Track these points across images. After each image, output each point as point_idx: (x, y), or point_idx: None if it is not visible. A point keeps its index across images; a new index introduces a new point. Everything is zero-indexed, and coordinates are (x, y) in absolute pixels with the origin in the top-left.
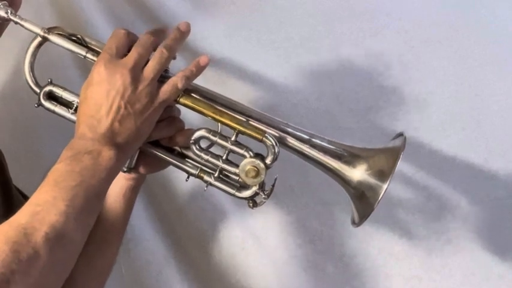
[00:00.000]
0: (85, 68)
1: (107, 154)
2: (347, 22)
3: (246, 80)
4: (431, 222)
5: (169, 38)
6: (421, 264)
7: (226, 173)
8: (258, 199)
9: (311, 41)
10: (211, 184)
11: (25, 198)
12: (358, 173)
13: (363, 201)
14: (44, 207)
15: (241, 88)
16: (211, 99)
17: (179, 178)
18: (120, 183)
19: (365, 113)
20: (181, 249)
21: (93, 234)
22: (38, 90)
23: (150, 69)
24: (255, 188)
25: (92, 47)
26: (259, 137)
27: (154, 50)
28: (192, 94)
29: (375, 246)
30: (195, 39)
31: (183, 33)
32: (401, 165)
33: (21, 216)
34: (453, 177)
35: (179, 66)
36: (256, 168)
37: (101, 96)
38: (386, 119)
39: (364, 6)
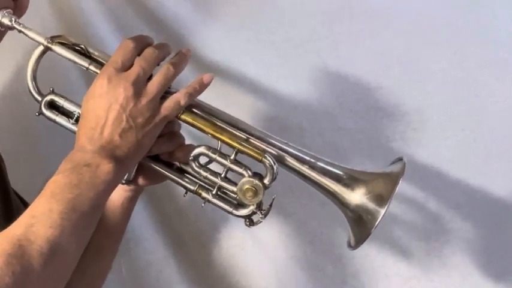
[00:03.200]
0: (87, 74)
1: (106, 167)
2: (347, 23)
3: (246, 81)
4: (430, 223)
5: (177, 56)
6: (419, 265)
7: (224, 190)
8: (255, 218)
9: (311, 41)
10: (208, 201)
11: (23, 203)
12: (356, 197)
13: (361, 224)
14: (39, 220)
15: (240, 89)
16: (212, 115)
17: None
18: (118, 193)
19: (364, 114)
20: (181, 249)
21: (90, 242)
22: (40, 99)
23: (154, 85)
24: (252, 207)
25: (95, 57)
26: (259, 157)
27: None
28: (193, 110)
29: (374, 246)
30: (195, 41)
31: (187, 56)
32: None
33: (17, 228)
34: (452, 178)
35: None
36: (255, 188)
37: (102, 109)
38: (385, 120)
39: (364, 7)
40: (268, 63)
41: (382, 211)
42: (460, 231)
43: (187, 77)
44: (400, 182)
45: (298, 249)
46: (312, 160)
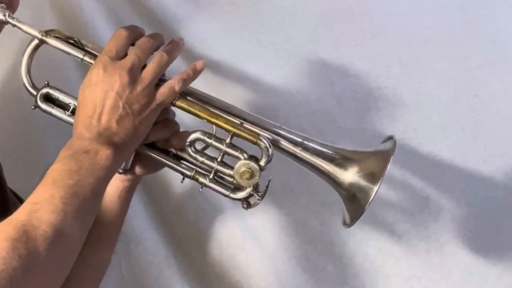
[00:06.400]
0: (84, 68)
1: (104, 153)
2: (347, 23)
3: (246, 81)
4: (430, 223)
5: (170, 44)
6: (420, 265)
7: (221, 174)
8: (252, 200)
9: (311, 41)
10: (206, 185)
11: (20, 200)
12: (349, 175)
13: (354, 202)
14: (42, 205)
15: (241, 89)
16: (206, 102)
17: (179, 178)
18: (116, 184)
19: (364, 114)
20: (181, 249)
21: (89, 234)
22: (35, 93)
23: (149, 71)
24: (249, 190)
25: (89, 50)
26: (254, 139)
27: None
28: (188, 97)
29: (374, 246)
30: (195, 40)
31: (180, 44)
32: (401, 166)
33: (20, 214)
34: (452, 177)
35: (178, 66)
36: (251, 170)
37: (99, 97)
38: (385, 120)
39: (364, 7)
40: (268, 63)
41: (375, 188)
42: (460, 231)
43: None
44: (391, 160)
45: (298, 249)
46: (305, 142)
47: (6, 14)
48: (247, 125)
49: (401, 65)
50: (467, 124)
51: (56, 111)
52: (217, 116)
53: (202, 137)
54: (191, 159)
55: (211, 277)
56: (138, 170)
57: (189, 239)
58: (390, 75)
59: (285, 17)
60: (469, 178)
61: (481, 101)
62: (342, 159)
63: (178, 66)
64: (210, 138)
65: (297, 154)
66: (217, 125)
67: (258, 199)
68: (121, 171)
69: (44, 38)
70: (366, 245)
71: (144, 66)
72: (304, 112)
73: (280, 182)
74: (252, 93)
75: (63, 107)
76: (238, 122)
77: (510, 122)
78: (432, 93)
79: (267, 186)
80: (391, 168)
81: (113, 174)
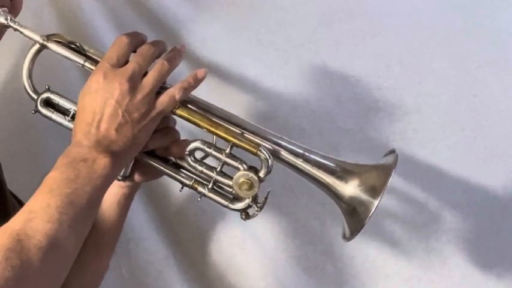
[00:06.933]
0: (86, 70)
1: (102, 162)
2: (347, 23)
3: (246, 81)
4: (430, 223)
5: (171, 52)
6: (420, 265)
7: (220, 184)
8: (250, 211)
9: (311, 42)
10: (204, 195)
11: (20, 203)
12: (350, 189)
13: (354, 216)
14: (37, 214)
15: (241, 89)
16: (207, 110)
17: None
18: (115, 190)
19: (365, 114)
20: (181, 249)
21: (87, 240)
22: (36, 97)
23: (150, 80)
24: (248, 201)
25: (91, 55)
26: (254, 150)
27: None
28: (189, 105)
29: (374, 246)
30: (195, 41)
31: (181, 51)
32: (400, 167)
33: (15, 223)
34: (452, 177)
35: (178, 68)
36: (250, 181)
37: (98, 104)
38: (385, 120)
39: (364, 7)
40: (268, 64)
41: (376, 202)
42: (460, 231)
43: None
44: (393, 173)
45: (298, 249)
46: (306, 153)
47: (8, 18)
48: (247, 135)
49: (401, 65)
50: (467, 124)
51: (56, 117)
52: (217, 126)
53: (202, 146)
54: (190, 168)
55: (211, 277)
56: (137, 177)
57: (189, 239)
58: (390, 75)
59: (285, 17)
60: (469, 178)
61: (481, 101)
62: (343, 172)
63: (178, 68)
64: (210, 148)
65: (298, 166)
66: (217, 135)
67: (256, 210)
68: (120, 178)
69: (45, 42)
70: (366, 245)
71: (145, 74)
72: (304, 112)
73: (280, 182)
74: (252, 94)
75: (64, 112)
76: (239, 132)
77: (510, 122)
78: (432, 93)
79: (266, 198)
80: None
81: (111, 183)
